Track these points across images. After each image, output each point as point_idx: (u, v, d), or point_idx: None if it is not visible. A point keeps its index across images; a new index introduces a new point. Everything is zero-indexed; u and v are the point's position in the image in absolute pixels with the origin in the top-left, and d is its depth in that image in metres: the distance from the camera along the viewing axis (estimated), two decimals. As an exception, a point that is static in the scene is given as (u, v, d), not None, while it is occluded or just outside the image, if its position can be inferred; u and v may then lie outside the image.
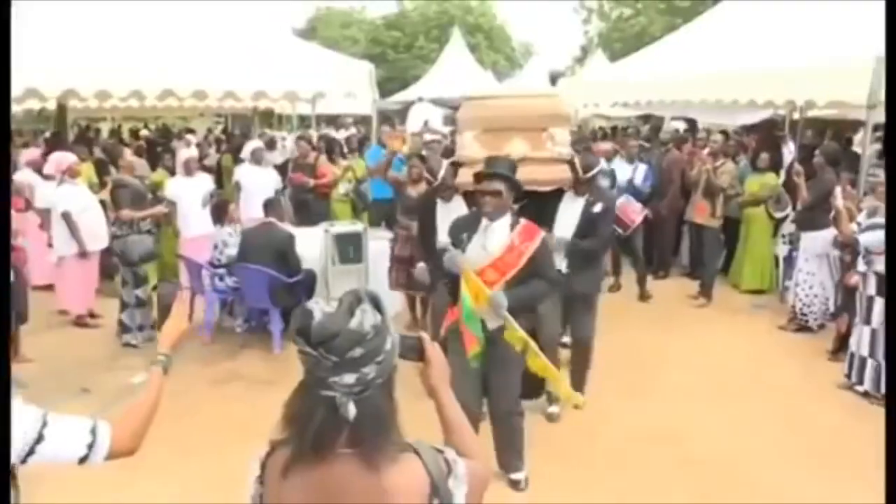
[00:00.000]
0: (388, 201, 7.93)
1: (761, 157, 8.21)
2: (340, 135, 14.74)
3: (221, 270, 6.64)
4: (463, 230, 3.84)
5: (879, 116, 7.70)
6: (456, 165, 5.00)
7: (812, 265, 6.74)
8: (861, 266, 5.40)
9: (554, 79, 14.05)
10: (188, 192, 7.97)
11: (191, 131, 17.36)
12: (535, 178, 4.36)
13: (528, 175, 4.16)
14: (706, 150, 9.22)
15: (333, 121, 22.01)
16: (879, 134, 10.19)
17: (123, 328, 6.61)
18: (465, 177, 4.52)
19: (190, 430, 4.94)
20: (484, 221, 3.79)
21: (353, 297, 1.45)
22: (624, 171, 8.25)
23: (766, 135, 11.96)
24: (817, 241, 6.67)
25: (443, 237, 4.53)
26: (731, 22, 10.24)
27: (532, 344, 3.69)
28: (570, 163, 4.72)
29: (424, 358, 1.64)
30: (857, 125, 13.00)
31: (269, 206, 6.71)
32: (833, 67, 7.62)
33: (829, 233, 6.46)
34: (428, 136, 10.21)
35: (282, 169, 9.96)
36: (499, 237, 3.75)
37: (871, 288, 5.34)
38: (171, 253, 7.93)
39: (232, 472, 4.19)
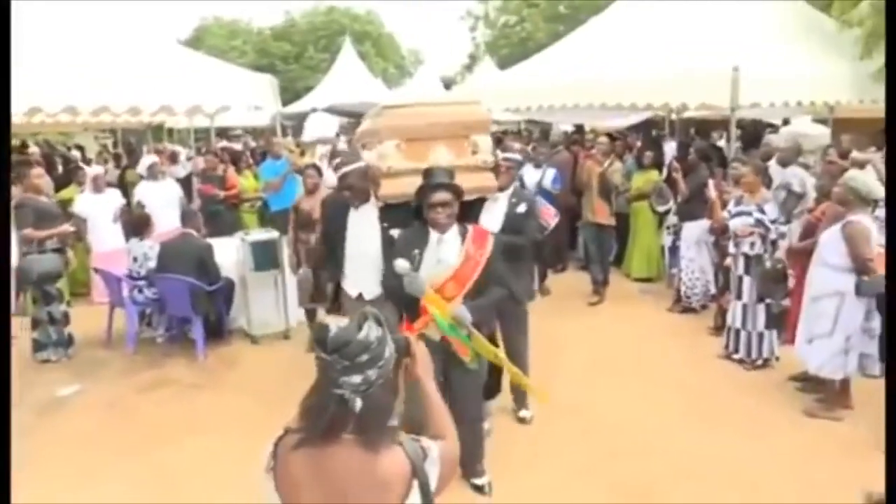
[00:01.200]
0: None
1: (645, 156, 9.04)
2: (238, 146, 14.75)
3: (141, 282, 6.76)
4: (413, 247, 3.77)
5: (739, 116, 8.75)
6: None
7: (692, 252, 7.53)
8: (731, 248, 6.17)
9: (447, 86, 14.56)
10: (98, 208, 8.04)
11: (79, 147, 16.91)
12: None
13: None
14: (593, 151, 9.89)
15: (224, 133, 21.84)
16: (740, 132, 11.31)
17: (38, 346, 6.62)
18: (388, 189, 4.36)
19: (129, 433, 5.13)
20: (434, 235, 3.77)
21: (361, 315, 1.82)
22: (532, 175, 8.80)
23: (648, 135, 12.95)
24: (695, 230, 7.47)
25: (351, 249, 4.58)
26: (612, 32, 11.10)
27: (502, 354, 3.86)
28: (493, 170, 4.64)
29: (410, 353, 1.98)
30: (726, 124, 14.22)
31: (186, 217, 6.90)
32: (700, 75, 8.57)
33: (706, 222, 7.26)
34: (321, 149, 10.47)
35: (184, 182, 10.01)
36: (452, 248, 3.74)
37: (740, 268, 6.10)
38: (83, 269, 7.95)
39: (176, 467, 4.53)
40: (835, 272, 4.84)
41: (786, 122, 12.21)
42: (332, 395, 1.75)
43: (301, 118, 20.10)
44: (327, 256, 4.95)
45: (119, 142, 20.51)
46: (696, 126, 15.83)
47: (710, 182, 6.84)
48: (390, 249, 4.04)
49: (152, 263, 6.82)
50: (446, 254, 3.73)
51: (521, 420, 5.14)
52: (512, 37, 30.65)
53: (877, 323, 4.84)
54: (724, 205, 6.41)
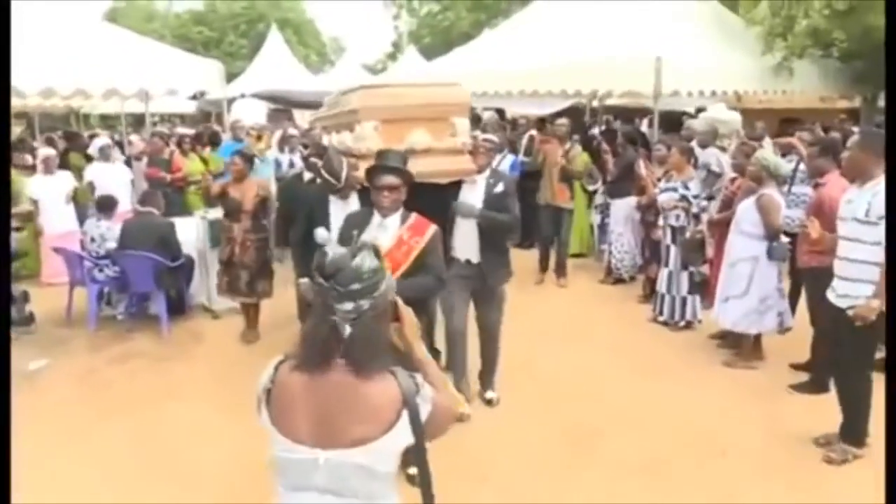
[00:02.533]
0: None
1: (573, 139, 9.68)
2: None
3: (104, 261, 6.94)
4: (353, 227, 3.54)
5: (662, 104, 9.56)
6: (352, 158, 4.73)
7: (621, 227, 8.23)
8: (660, 221, 6.87)
9: (373, 74, 14.91)
10: (49, 190, 8.13)
11: None
12: (438, 170, 4.35)
13: (432, 167, 4.20)
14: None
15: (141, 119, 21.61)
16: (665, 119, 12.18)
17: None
18: (365, 171, 4.20)
19: (106, 401, 5.39)
20: (376, 218, 3.72)
21: (359, 245, 1.90)
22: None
23: (576, 121, 13.68)
24: (624, 207, 8.16)
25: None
26: (538, 23, 11.77)
27: (424, 354, 4.02)
28: (471, 153, 4.71)
29: (399, 318, 2.05)
30: (644, 112, 15.15)
31: (147, 197, 7.12)
32: (626, 63, 9.31)
33: (633, 199, 7.96)
34: (291, 131, 10.63)
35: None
36: (390, 233, 3.68)
37: (668, 238, 6.82)
38: (33, 250, 8.04)
39: (156, 431, 4.86)
40: (750, 239, 5.56)
41: (699, 109, 13.15)
42: (326, 320, 1.84)
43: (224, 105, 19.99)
44: (308, 248, 4.92)
45: (36, 128, 20.07)
46: (616, 113, 16.72)
47: (641, 162, 7.53)
48: None
49: (110, 244, 7.00)
50: (383, 237, 3.60)
51: (488, 402, 5.18)
52: (435, 26, 31.13)
53: (783, 284, 5.65)
54: (653, 183, 7.11)
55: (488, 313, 5.06)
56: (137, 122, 21.79)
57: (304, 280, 4.83)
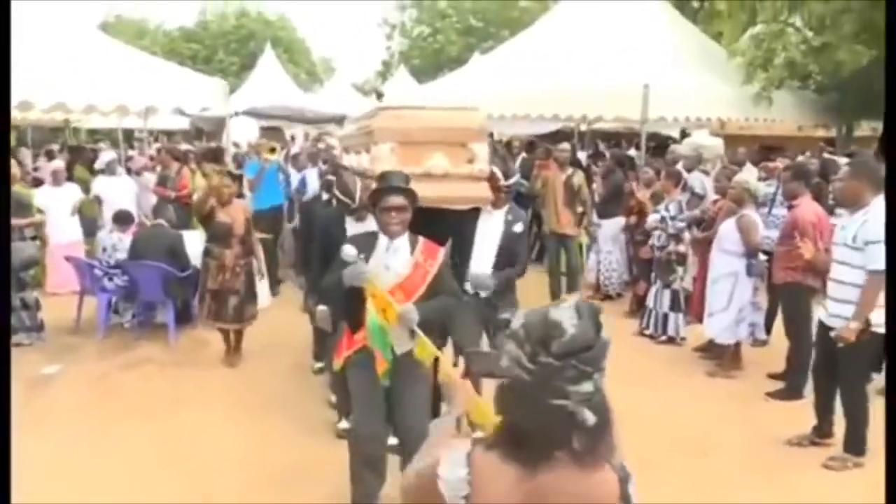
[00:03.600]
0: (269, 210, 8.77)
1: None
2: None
3: (114, 271, 7.24)
4: (360, 250, 3.46)
5: (648, 129, 10.05)
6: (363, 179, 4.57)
7: (609, 245, 8.64)
8: (651, 241, 7.28)
9: (379, 95, 15.31)
10: (57, 201, 8.42)
11: None
12: (455, 196, 4.20)
13: (449, 193, 4.07)
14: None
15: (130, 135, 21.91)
16: (651, 143, 12.72)
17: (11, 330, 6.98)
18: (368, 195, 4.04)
19: (121, 404, 5.67)
20: (384, 240, 3.60)
21: (587, 308, 1.54)
22: None
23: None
24: (612, 227, 8.58)
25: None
26: (532, 48, 12.30)
27: (443, 358, 3.51)
28: (489, 179, 4.55)
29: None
30: (630, 135, 15.69)
31: (158, 210, 7.44)
32: (615, 90, 9.81)
33: (621, 220, 8.39)
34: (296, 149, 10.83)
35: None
36: (402, 256, 3.59)
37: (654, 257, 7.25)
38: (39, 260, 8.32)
39: (166, 432, 5.11)
40: (730, 256, 5.99)
41: (683, 135, 13.69)
42: (551, 406, 1.48)
43: (217, 122, 20.32)
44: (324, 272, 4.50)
45: (30, 140, 20.34)
46: (603, 137, 17.26)
47: (635, 185, 7.97)
48: None
49: (120, 254, 7.34)
50: (395, 261, 3.57)
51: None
52: (425, 48, 31.73)
53: (760, 297, 6.06)
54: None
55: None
56: (126, 137, 22.16)
57: (323, 308, 4.78)
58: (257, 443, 4.94)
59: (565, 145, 9.16)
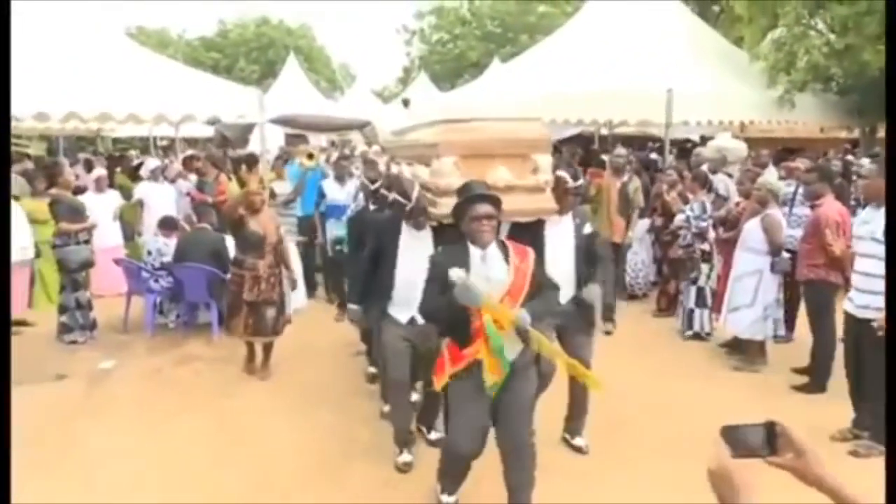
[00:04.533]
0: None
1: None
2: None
3: (161, 272, 7.64)
4: (457, 265, 3.45)
5: (673, 133, 10.33)
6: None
7: (636, 246, 8.92)
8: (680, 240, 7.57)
9: (406, 103, 15.64)
10: (100, 207, 8.84)
11: (27, 157, 17.25)
12: (519, 209, 4.13)
13: (513, 205, 3.96)
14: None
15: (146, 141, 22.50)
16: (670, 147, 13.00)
17: (65, 328, 7.39)
18: (445, 208, 3.99)
19: (179, 395, 6.05)
20: (476, 252, 3.56)
21: None
22: None
23: (585, 147, 14.49)
24: (638, 228, 8.86)
25: (404, 272, 4.33)
26: (555, 54, 12.63)
27: (565, 356, 3.75)
28: (556, 182, 4.53)
29: (785, 446, 1.50)
30: (652, 139, 15.94)
31: (202, 214, 7.83)
32: (638, 94, 10.10)
33: (646, 221, 8.67)
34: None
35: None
36: (498, 264, 3.56)
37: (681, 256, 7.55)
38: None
39: (220, 422, 5.46)
40: (755, 255, 6.28)
41: (703, 138, 13.95)
42: None
43: (242, 129, 20.79)
44: (369, 276, 4.67)
45: (60, 149, 20.93)
46: (624, 140, 17.52)
47: (664, 186, 8.26)
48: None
49: (166, 258, 7.74)
50: (494, 270, 3.54)
51: (577, 449, 4.96)
52: (445, 53, 32.11)
53: (781, 294, 6.40)
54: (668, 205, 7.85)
55: (573, 334, 4.74)
56: (144, 146, 22.75)
57: (355, 307, 4.91)
58: (308, 432, 5.27)
59: (620, 150, 8.93)
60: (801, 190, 7.14)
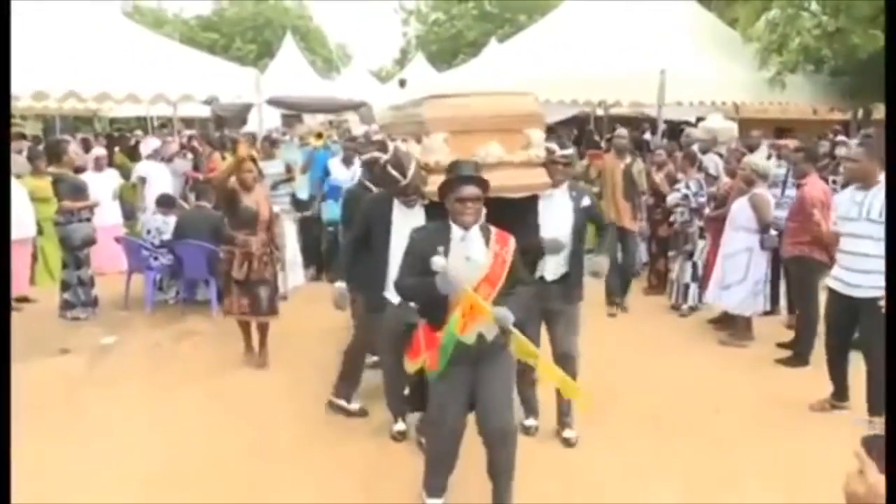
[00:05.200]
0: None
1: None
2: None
3: (161, 250, 7.79)
4: (436, 243, 3.42)
5: (667, 114, 10.45)
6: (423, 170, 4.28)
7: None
8: (672, 218, 7.73)
9: (402, 83, 15.67)
10: (100, 187, 8.95)
11: (23, 136, 17.32)
12: (511, 185, 4.03)
13: (504, 181, 3.91)
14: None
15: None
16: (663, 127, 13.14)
17: (68, 305, 7.52)
18: (435, 185, 3.90)
19: (179, 368, 6.21)
20: (458, 231, 3.50)
21: None
22: None
23: (583, 128, 14.61)
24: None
25: (398, 253, 3.98)
26: (550, 35, 12.72)
27: (543, 357, 3.64)
28: (545, 166, 4.41)
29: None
30: (646, 120, 16.05)
31: (200, 192, 7.96)
32: (632, 75, 10.21)
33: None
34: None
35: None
36: (478, 246, 3.51)
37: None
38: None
39: (220, 392, 5.61)
40: (745, 233, 6.44)
41: (698, 119, 14.08)
42: None
43: (239, 109, 20.83)
44: (358, 255, 4.64)
45: (57, 128, 20.99)
46: (619, 121, 17.63)
47: (653, 167, 8.41)
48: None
49: (165, 235, 7.88)
50: (473, 251, 3.48)
51: (566, 442, 4.78)
52: (442, 33, 32.06)
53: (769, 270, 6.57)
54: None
55: (559, 332, 4.67)
56: (140, 125, 22.83)
57: (341, 284, 4.76)
58: (304, 403, 5.42)
59: (622, 131, 8.74)
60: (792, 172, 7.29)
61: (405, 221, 4.23)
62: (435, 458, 3.82)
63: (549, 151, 4.43)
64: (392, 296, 4.33)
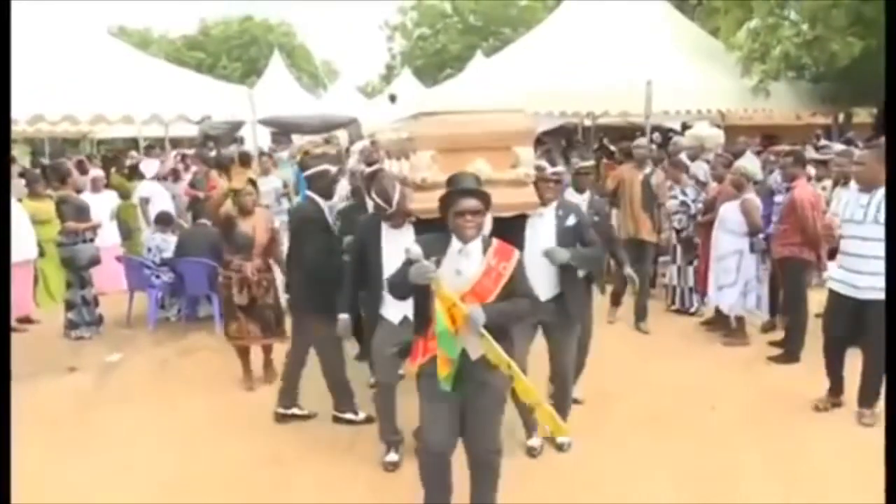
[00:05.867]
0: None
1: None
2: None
3: (162, 268, 7.93)
4: (430, 253, 3.36)
5: (652, 122, 10.70)
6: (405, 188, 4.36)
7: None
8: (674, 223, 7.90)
9: (393, 98, 15.86)
10: (97, 207, 9.05)
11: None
12: (500, 203, 3.85)
13: (494, 199, 3.67)
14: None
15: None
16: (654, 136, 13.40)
17: (72, 325, 7.61)
18: (422, 204, 3.99)
19: (186, 384, 6.30)
20: (456, 244, 3.43)
21: None
22: None
23: (571, 138, 14.82)
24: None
25: (389, 269, 3.97)
26: (536, 49, 12.96)
27: (514, 366, 3.43)
28: (535, 184, 4.37)
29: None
30: (634, 130, 16.30)
31: (199, 211, 8.10)
32: (619, 87, 10.47)
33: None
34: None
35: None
36: (474, 260, 3.43)
37: (673, 238, 7.94)
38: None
39: (230, 404, 5.71)
40: (735, 236, 6.64)
41: (685, 126, 14.35)
42: None
43: (229, 128, 20.92)
44: (357, 282, 4.63)
45: (46, 152, 21.05)
46: (607, 130, 17.86)
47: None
48: None
49: (166, 253, 8.01)
50: (467, 265, 3.42)
51: (529, 451, 4.73)
52: (427, 48, 32.35)
53: (761, 272, 6.76)
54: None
55: (555, 348, 4.70)
56: (129, 146, 22.86)
57: (345, 317, 4.67)
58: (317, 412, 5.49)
59: (641, 140, 8.59)
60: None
61: (394, 240, 4.32)
62: (426, 481, 3.72)
63: (539, 169, 4.41)
64: (389, 314, 4.43)
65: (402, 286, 3.48)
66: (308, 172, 5.42)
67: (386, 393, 4.57)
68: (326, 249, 5.05)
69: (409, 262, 3.36)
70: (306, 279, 5.06)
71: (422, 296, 3.48)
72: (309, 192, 5.36)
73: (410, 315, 3.92)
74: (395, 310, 4.37)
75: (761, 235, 6.57)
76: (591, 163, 4.78)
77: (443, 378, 3.38)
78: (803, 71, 13.23)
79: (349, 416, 5.30)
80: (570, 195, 5.26)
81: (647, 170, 7.76)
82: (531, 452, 4.72)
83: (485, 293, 3.39)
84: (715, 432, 5.08)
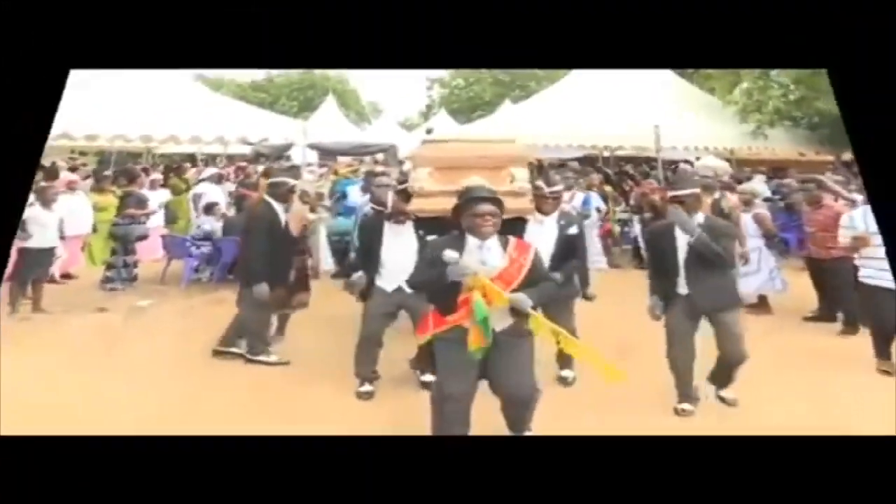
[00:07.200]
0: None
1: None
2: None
3: (203, 242, 7.79)
4: (451, 249, 3.27)
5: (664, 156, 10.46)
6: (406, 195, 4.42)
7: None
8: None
9: (429, 131, 15.85)
10: (153, 201, 8.85)
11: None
12: None
13: None
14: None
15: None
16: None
17: (108, 280, 7.48)
18: (419, 205, 4.16)
19: (208, 322, 5.82)
20: (474, 241, 3.32)
21: None
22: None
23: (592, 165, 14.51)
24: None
25: (390, 250, 4.41)
26: (557, 101, 12.90)
27: (564, 332, 3.42)
28: (535, 199, 4.31)
29: None
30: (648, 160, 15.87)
31: (242, 204, 8.01)
32: (629, 132, 10.50)
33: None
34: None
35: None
36: (496, 254, 3.34)
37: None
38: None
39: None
40: (752, 238, 6.60)
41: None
42: None
43: (279, 149, 20.66)
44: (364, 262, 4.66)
45: (112, 161, 21.07)
46: (623, 161, 17.31)
47: (647, 189, 8.30)
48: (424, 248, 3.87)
49: (208, 230, 7.90)
50: (489, 257, 3.31)
51: (563, 380, 4.63)
52: (461, 95, 32.84)
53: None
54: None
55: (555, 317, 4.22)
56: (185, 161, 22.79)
57: (361, 274, 4.57)
58: (328, 356, 5.07)
59: (708, 160, 8.65)
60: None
61: (394, 233, 4.52)
62: (443, 425, 3.44)
63: (536, 188, 4.41)
64: (384, 284, 4.50)
65: (432, 284, 3.42)
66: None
67: (367, 344, 4.55)
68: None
69: (432, 264, 3.31)
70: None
71: (449, 287, 3.31)
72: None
73: (403, 285, 4.24)
74: (390, 281, 4.46)
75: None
76: (559, 187, 4.65)
77: (474, 350, 3.25)
78: (799, 120, 12.80)
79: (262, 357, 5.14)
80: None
81: (717, 195, 6.70)
82: (565, 382, 4.63)
83: (511, 280, 3.32)
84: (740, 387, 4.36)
